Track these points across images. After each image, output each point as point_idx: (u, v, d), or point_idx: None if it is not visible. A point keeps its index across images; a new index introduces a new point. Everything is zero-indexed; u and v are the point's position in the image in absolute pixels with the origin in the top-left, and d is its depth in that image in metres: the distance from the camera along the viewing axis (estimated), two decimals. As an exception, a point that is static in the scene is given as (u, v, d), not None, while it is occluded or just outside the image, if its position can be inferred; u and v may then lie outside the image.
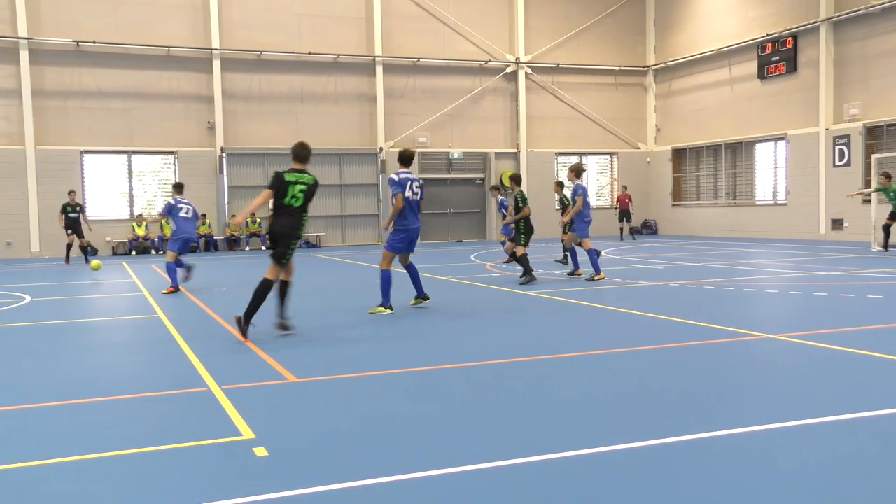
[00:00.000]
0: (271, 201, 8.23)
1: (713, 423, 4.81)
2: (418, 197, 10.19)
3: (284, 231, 8.12)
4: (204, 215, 24.64)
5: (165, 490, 3.89)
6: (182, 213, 13.43)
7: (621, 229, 26.12)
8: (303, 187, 8.16)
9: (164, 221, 12.70)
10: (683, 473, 4.00)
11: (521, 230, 13.45)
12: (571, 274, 14.24)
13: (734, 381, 6.07)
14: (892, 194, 17.72)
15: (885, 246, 17.57)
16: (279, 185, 8.09)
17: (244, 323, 7.98)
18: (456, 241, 27.94)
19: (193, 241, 14.28)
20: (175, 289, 12.91)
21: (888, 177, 17.97)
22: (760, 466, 4.03)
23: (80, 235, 20.15)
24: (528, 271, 12.97)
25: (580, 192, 13.50)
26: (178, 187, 14.29)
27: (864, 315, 9.04)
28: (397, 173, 10.16)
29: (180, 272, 13.23)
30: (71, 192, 20.46)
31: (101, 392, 6.05)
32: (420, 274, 10.63)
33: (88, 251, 20.64)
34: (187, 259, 13.58)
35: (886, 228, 17.72)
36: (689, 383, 5.99)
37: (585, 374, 6.40)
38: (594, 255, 13.34)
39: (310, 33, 26.14)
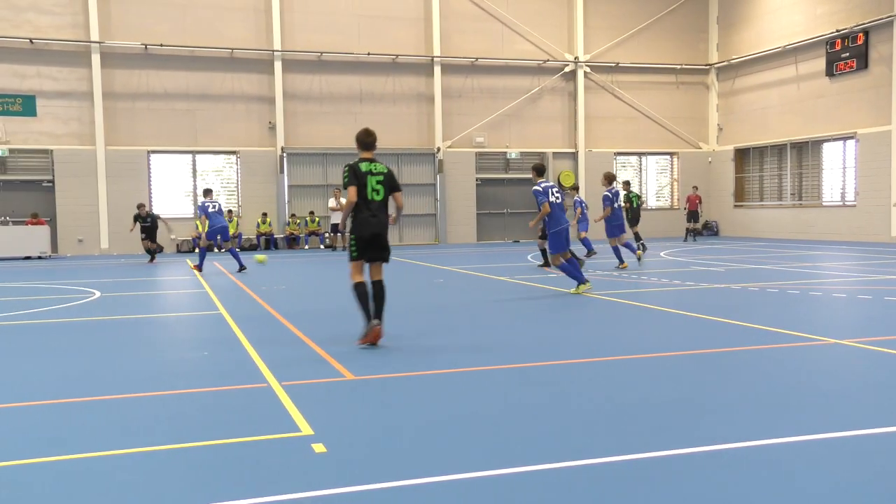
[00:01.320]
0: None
1: (777, 429, 4.68)
2: (559, 200, 11.78)
3: (375, 231, 7.55)
4: (230, 211, 24.89)
5: (225, 483, 3.97)
6: (210, 210, 17.04)
7: (687, 230, 25.70)
8: (380, 178, 7.56)
9: (198, 221, 18.35)
10: (745, 480, 3.90)
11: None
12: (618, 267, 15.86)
13: (799, 386, 5.90)
14: None
15: None
16: (358, 178, 7.44)
17: (369, 321, 7.58)
18: (513, 241, 27.84)
19: (219, 229, 17.21)
20: (199, 269, 16.82)
21: None
22: (825, 474, 3.91)
23: (153, 241, 20.92)
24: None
25: (606, 201, 15.82)
26: (207, 192, 17.72)
27: (939, 321, 8.68)
28: (539, 184, 11.67)
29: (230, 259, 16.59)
30: (140, 206, 21.08)
31: (164, 386, 6.21)
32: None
33: (154, 250, 21.19)
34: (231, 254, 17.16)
35: None
36: (751, 388, 5.85)
37: (645, 377, 6.30)
38: (617, 250, 15.83)
39: (369, 34, 26.39)
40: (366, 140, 7.69)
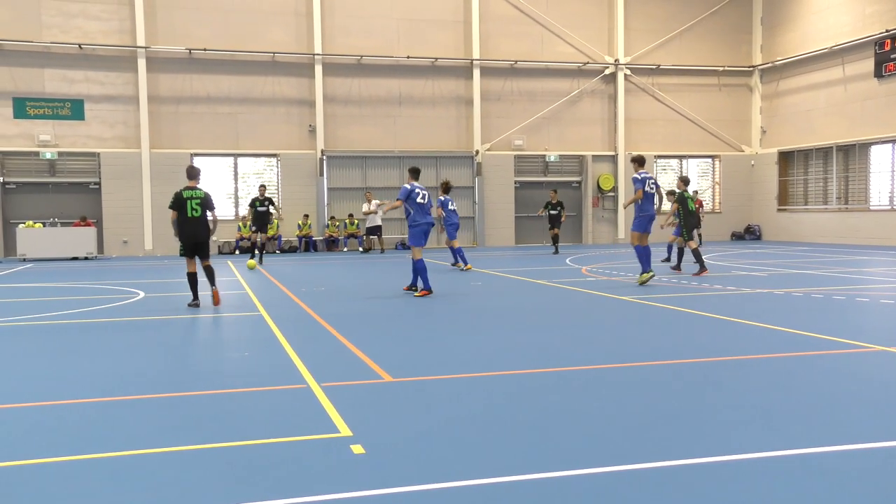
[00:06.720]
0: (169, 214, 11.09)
1: (821, 437, 4.59)
2: (654, 191, 13.12)
3: (195, 236, 10.97)
4: (306, 216, 25.74)
5: (264, 483, 4.02)
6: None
7: None
8: (197, 200, 10.90)
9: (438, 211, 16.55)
10: (789, 489, 3.83)
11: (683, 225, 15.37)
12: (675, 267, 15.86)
13: (844, 394, 5.77)
14: None
15: None
16: (178, 203, 10.90)
17: (194, 300, 11.23)
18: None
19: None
20: (464, 264, 16.54)
21: None
22: (874, 483, 3.82)
23: (265, 230, 20.07)
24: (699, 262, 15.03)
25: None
26: (447, 188, 17.03)
27: None
28: (639, 174, 13.05)
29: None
30: (261, 187, 20.61)
31: (205, 386, 6.30)
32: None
33: (260, 249, 20.09)
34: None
35: None
36: (795, 396, 5.74)
37: (686, 383, 6.22)
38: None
39: (408, 37, 26.50)
40: (190, 172, 11.18)
